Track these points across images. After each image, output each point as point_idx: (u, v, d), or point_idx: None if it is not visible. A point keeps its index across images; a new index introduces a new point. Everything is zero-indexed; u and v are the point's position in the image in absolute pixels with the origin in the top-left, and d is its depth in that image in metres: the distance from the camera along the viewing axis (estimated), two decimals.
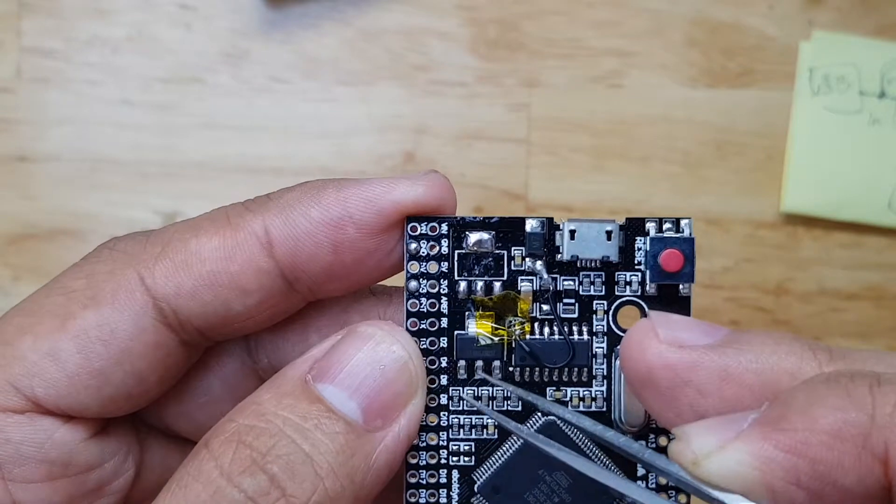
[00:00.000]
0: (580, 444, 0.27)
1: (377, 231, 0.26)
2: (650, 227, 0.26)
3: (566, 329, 0.27)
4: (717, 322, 0.24)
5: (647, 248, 0.26)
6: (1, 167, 0.63)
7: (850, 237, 0.63)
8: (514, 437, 0.27)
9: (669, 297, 0.27)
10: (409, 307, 0.27)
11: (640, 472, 0.27)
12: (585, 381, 0.27)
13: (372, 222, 0.26)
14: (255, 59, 0.64)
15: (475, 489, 0.27)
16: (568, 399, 0.27)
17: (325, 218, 0.26)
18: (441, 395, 0.27)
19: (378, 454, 0.24)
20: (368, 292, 0.29)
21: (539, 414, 0.27)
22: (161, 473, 0.29)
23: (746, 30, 0.63)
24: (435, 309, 0.27)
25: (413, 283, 0.27)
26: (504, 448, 0.27)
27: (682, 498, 0.26)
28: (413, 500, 0.27)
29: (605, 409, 0.27)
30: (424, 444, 0.27)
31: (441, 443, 0.27)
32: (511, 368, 0.27)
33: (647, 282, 0.26)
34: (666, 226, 0.26)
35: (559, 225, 0.27)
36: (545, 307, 0.27)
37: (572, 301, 0.27)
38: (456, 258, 0.27)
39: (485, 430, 0.27)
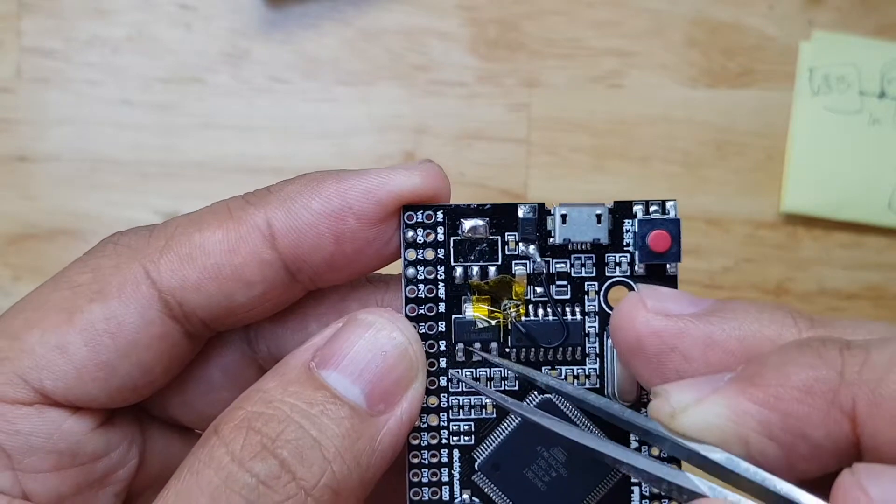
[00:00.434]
0: (575, 419, 0.27)
1: (376, 221, 0.27)
2: (637, 209, 0.27)
3: (560, 310, 0.28)
4: None
5: (636, 230, 0.27)
6: (1, 167, 0.63)
7: (850, 237, 0.63)
8: (512, 416, 0.27)
9: (657, 276, 0.27)
10: (407, 293, 0.27)
11: (634, 444, 0.28)
12: (579, 359, 0.28)
13: (371, 212, 0.26)
14: (255, 59, 0.64)
15: (476, 467, 0.28)
16: (563, 378, 0.28)
17: (325, 209, 0.26)
18: (440, 378, 0.28)
19: (382, 437, 0.25)
20: (365, 281, 0.29)
21: (535, 393, 0.28)
22: (163, 462, 0.29)
23: (746, 30, 0.63)
24: (432, 294, 0.27)
25: (411, 270, 0.27)
26: (502, 427, 0.28)
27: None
28: (416, 479, 0.27)
29: (598, 385, 0.28)
30: (426, 425, 0.28)
31: (442, 423, 0.28)
32: (508, 349, 0.28)
33: (636, 262, 0.27)
34: (652, 208, 0.27)
35: (550, 210, 0.27)
36: (539, 289, 0.28)
37: (565, 283, 0.28)
38: (452, 245, 0.27)
39: (483, 410, 0.28)
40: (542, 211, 0.27)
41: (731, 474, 0.21)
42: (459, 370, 0.28)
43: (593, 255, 0.28)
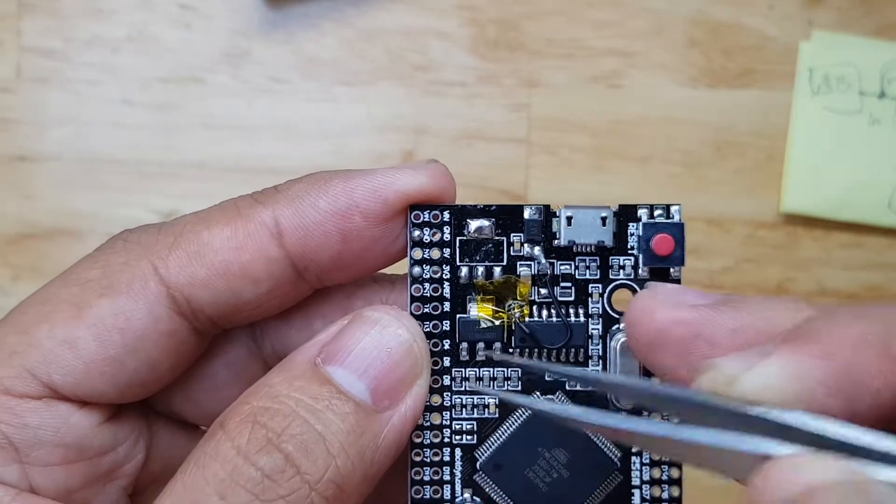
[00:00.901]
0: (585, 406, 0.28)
1: (383, 219, 0.27)
2: (642, 213, 0.28)
3: (563, 311, 0.28)
4: None
5: (640, 234, 0.27)
6: (1, 167, 0.63)
7: (850, 237, 0.63)
8: (515, 416, 0.28)
9: (661, 280, 0.28)
10: (412, 292, 0.28)
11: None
12: (582, 361, 0.28)
13: (378, 211, 0.27)
14: (255, 59, 0.64)
15: (477, 466, 0.28)
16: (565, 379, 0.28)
17: (333, 208, 0.26)
18: (444, 377, 0.28)
19: (386, 433, 0.25)
20: (371, 280, 0.29)
21: (538, 393, 0.28)
22: (168, 457, 0.29)
23: (746, 30, 0.63)
24: (438, 293, 0.28)
25: (416, 269, 0.28)
26: (505, 426, 0.28)
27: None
28: (418, 477, 0.28)
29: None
30: (428, 423, 0.28)
31: (444, 422, 0.28)
32: (511, 350, 0.28)
33: (640, 265, 0.28)
34: (657, 212, 0.28)
35: (556, 212, 0.28)
36: (543, 291, 0.28)
37: (569, 285, 0.28)
38: (457, 244, 0.28)
39: (486, 410, 0.28)
40: (547, 213, 0.28)
41: (798, 433, 0.20)
42: (463, 369, 0.28)
43: (597, 258, 0.28)
